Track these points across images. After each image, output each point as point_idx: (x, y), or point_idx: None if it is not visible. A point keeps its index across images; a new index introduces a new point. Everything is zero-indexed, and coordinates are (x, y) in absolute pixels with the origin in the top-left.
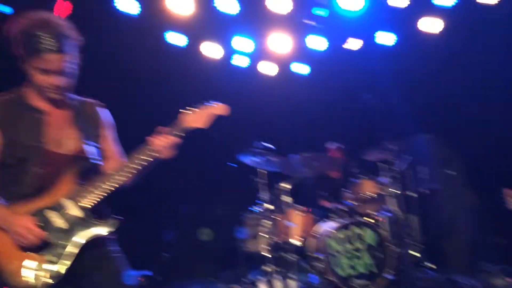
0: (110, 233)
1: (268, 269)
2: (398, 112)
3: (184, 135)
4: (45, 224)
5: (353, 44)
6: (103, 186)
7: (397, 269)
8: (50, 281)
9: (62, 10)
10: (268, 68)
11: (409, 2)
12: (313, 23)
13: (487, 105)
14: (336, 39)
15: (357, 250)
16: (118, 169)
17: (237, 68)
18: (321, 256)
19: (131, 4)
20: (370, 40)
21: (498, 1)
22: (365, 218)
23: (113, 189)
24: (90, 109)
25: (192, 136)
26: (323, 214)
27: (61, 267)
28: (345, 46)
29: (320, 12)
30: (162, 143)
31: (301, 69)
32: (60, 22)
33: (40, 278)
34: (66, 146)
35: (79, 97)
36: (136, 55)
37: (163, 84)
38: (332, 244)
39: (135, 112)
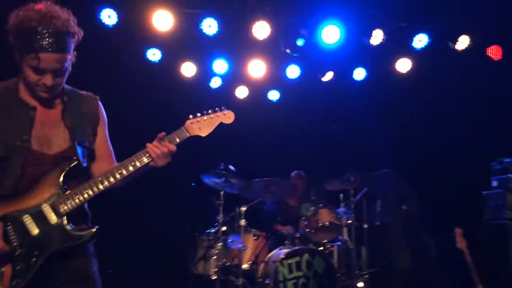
0: (87, 242)
1: None
2: (364, 145)
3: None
4: (18, 230)
5: (326, 76)
6: (88, 190)
7: None
8: None
9: None
10: (239, 91)
11: (381, 41)
12: (289, 51)
13: (447, 145)
14: (310, 69)
15: (306, 277)
16: (107, 172)
17: (209, 89)
18: (268, 282)
19: (108, 15)
20: (342, 74)
21: (465, 48)
22: (317, 246)
23: (98, 193)
24: (88, 104)
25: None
26: (277, 240)
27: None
28: (323, 78)
29: (298, 42)
30: (160, 150)
31: (272, 95)
32: (64, 17)
33: None
34: (52, 146)
35: (77, 91)
36: (111, 67)
37: (136, 97)
38: (281, 270)
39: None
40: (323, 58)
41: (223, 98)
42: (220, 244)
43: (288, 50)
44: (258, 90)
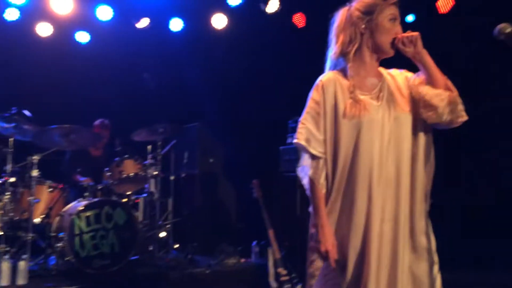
0: None
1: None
2: (176, 97)
3: None
4: None
5: (141, 22)
6: None
7: (142, 249)
8: None
9: None
10: (41, 28)
11: None
12: None
13: (255, 104)
14: (124, 13)
15: (104, 229)
16: None
17: (3, 21)
18: (62, 235)
19: None
20: (158, 22)
21: (275, 11)
22: (120, 198)
23: None
24: None
25: None
26: (77, 192)
27: None
28: (138, 24)
29: None
30: None
31: (80, 36)
32: None
33: None
34: None
35: None
36: None
37: None
38: (77, 223)
39: None
40: (138, 2)
41: (20, 34)
42: (8, 196)
43: None
44: (64, 29)
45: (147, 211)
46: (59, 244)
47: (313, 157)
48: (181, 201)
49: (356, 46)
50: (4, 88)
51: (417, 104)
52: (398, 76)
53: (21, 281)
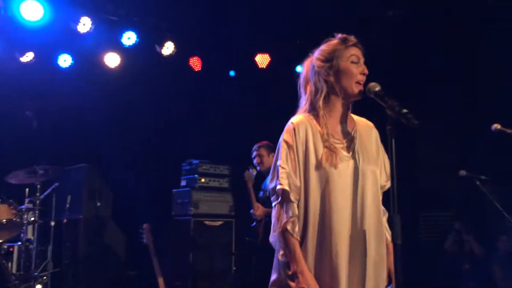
0: None
1: None
2: (60, 137)
3: None
4: None
5: (26, 56)
6: None
7: None
8: None
9: None
10: None
11: (88, 29)
12: None
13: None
14: (7, 46)
15: None
16: None
17: None
18: None
19: None
20: (46, 57)
21: (170, 54)
22: None
23: None
24: None
25: None
26: None
27: None
28: (22, 58)
29: None
30: None
31: None
32: None
33: None
34: None
35: None
36: None
37: None
38: None
39: None
40: (23, 35)
41: None
42: None
43: None
44: None
45: (21, 261)
46: None
47: (294, 205)
48: (62, 249)
49: (323, 94)
50: None
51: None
52: (368, 129)
53: None
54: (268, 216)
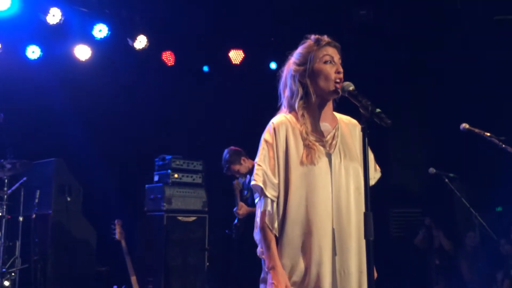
0: None
1: None
2: (28, 130)
3: None
4: None
5: None
6: None
7: None
8: None
9: None
10: None
11: (58, 21)
12: None
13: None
14: None
15: None
16: None
17: None
18: None
19: None
20: (13, 48)
21: (143, 48)
22: None
23: None
24: None
25: None
26: None
27: None
28: None
29: None
30: None
31: None
32: None
33: None
34: None
35: None
36: None
37: None
38: None
39: None
40: None
41: None
42: None
43: None
44: None
45: None
46: None
47: (268, 200)
48: (31, 245)
49: (299, 96)
50: None
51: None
52: (351, 126)
53: None
54: (250, 215)
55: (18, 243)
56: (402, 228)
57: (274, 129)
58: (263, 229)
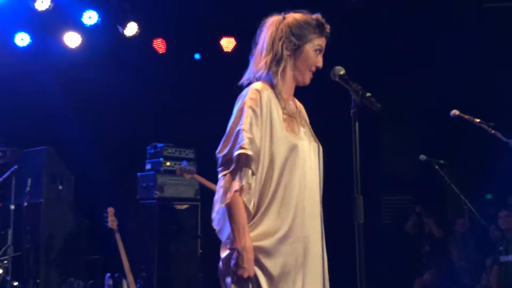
0: None
1: None
2: (19, 118)
3: None
4: None
5: None
6: None
7: None
8: None
9: None
10: None
11: (47, 7)
12: None
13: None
14: None
15: None
16: None
17: None
18: None
19: None
20: (1, 36)
21: (134, 35)
22: None
23: None
24: None
25: None
26: None
27: None
28: None
29: None
30: None
31: None
32: None
33: None
34: None
35: None
36: None
37: None
38: None
39: None
40: None
41: None
42: None
43: None
44: None
45: None
46: None
47: (249, 172)
48: (23, 233)
49: (282, 66)
50: None
51: None
52: (303, 108)
53: None
54: None
55: (10, 232)
56: (393, 215)
57: (260, 94)
58: (236, 205)
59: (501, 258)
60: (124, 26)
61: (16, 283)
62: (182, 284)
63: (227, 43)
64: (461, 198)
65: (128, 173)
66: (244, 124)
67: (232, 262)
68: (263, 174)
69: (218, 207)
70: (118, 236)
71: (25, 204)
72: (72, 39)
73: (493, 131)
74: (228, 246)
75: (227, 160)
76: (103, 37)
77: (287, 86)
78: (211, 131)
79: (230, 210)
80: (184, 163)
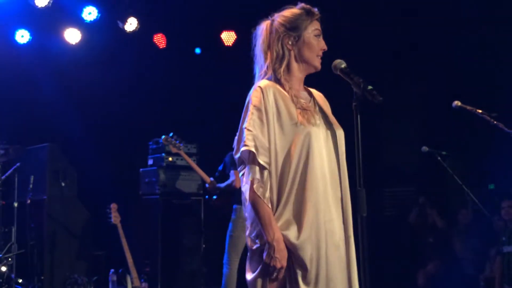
0: None
1: None
2: (21, 116)
3: None
4: None
5: None
6: None
7: None
8: None
9: None
10: None
11: (46, 3)
12: None
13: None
14: None
15: None
16: None
17: None
18: None
19: None
20: (2, 33)
21: (134, 30)
22: None
23: None
24: None
25: None
26: None
27: None
28: None
29: None
30: None
31: None
32: None
33: None
34: None
35: None
36: None
37: None
38: None
39: None
40: None
41: None
42: None
43: None
44: None
45: None
46: None
47: (256, 168)
48: (27, 230)
49: (285, 62)
50: None
51: None
52: (323, 98)
53: None
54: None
55: (13, 229)
56: (396, 206)
57: (262, 92)
58: (254, 200)
59: (504, 248)
60: (124, 21)
61: (20, 280)
62: (186, 278)
63: (228, 37)
64: (464, 189)
65: (130, 169)
66: (248, 122)
67: (264, 254)
68: (279, 167)
69: (245, 204)
70: (121, 232)
71: (29, 201)
72: (72, 35)
73: (495, 122)
74: (257, 241)
75: (241, 160)
76: (103, 33)
77: (295, 79)
78: (213, 125)
79: (252, 207)
80: (170, 135)
